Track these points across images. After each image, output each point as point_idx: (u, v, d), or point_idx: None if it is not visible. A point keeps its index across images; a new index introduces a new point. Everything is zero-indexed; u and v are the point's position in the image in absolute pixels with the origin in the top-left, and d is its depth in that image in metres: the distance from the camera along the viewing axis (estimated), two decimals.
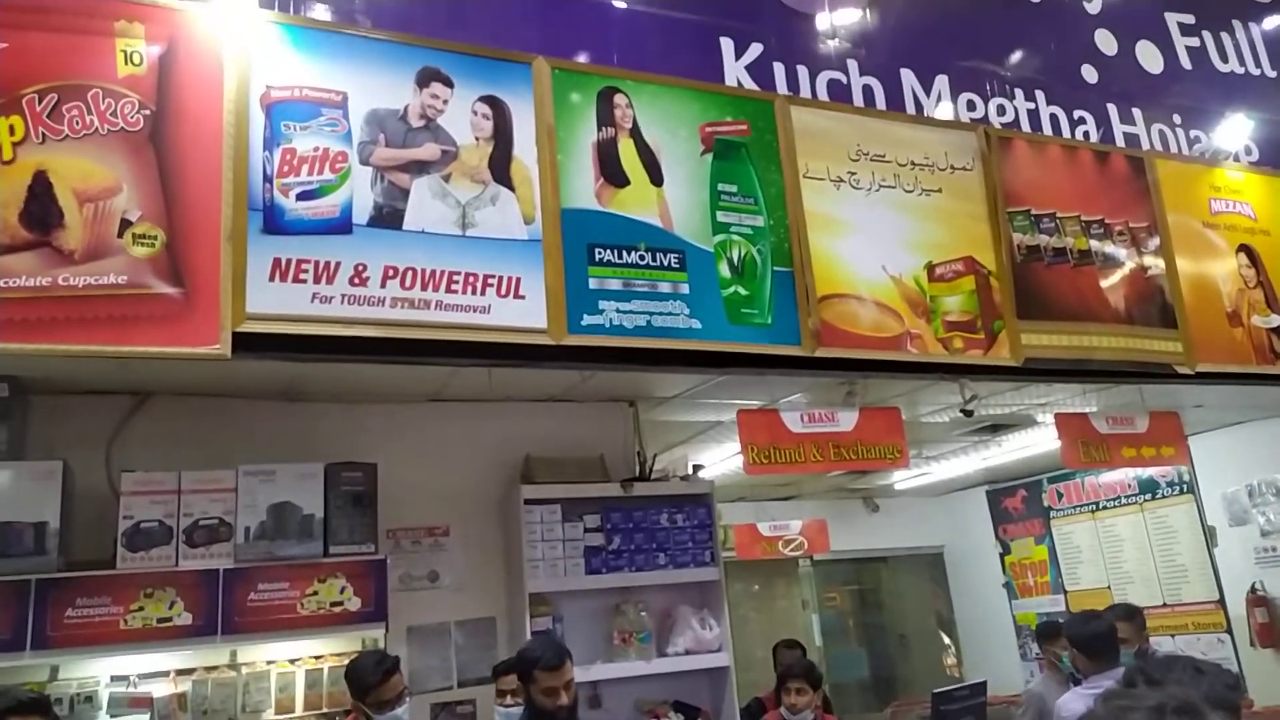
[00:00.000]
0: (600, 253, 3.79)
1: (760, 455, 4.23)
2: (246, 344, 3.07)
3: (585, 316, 3.70)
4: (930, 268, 4.40)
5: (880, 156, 4.44)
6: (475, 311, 3.52)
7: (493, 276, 3.57)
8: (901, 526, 9.17)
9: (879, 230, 4.34)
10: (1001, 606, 8.57)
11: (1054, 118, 5.57)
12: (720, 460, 6.06)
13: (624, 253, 3.85)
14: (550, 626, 4.08)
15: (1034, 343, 4.45)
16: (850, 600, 10.33)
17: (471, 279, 3.53)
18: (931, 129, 4.67)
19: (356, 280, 3.32)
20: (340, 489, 3.72)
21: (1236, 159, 5.67)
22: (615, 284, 3.79)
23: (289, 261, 3.21)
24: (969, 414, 4.74)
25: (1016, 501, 8.49)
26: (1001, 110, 5.42)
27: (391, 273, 3.39)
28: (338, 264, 3.29)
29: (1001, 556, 8.64)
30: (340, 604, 3.55)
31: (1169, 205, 5.01)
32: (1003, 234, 4.53)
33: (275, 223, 3.22)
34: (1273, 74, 6.64)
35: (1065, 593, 7.90)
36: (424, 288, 3.46)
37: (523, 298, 3.61)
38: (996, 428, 6.19)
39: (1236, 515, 6.57)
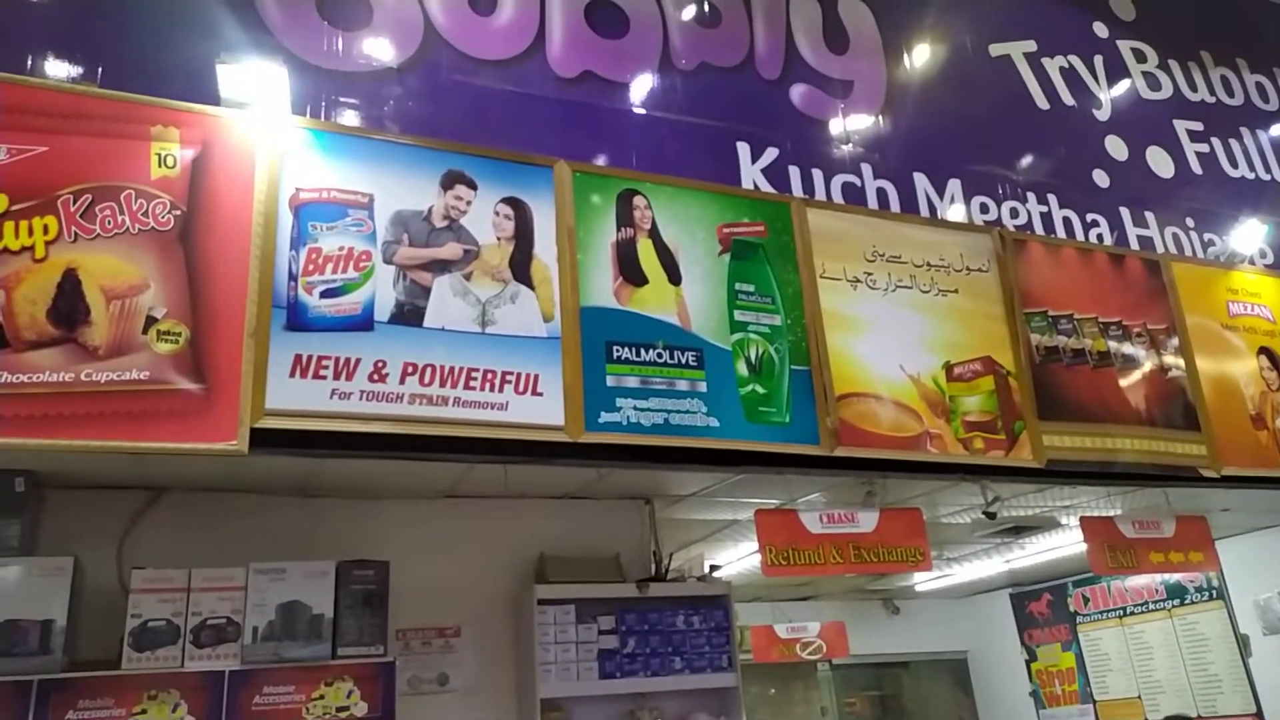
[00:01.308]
0: (618, 350, 3.80)
1: (779, 556, 4.14)
2: (264, 440, 3.07)
3: (603, 414, 3.70)
4: (949, 367, 4.38)
5: (896, 257, 4.49)
6: (493, 408, 3.52)
7: (511, 373, 3.58)
8: (923, 630, 8.92)
9: (896, 330, 4.35)
10: (1029, 717, 8.24)
11: (1067, 220, 5.65)
12: (737, 560, 5.95)
13: (642, 350, 3.86)
14: None
15: (1056, 444, 4.40)
16: (871, 707, 9.97)
17: (490, 376, 3.54)
18: (946, 231, 4.72)
19: (376, 377, 3.34)
20: (351, 588, 3.65)
21: (1252, 262, 5.70)
22: (633, 381, 3.79)
23: (310, 358, 3.23)
24: (992, 516, 4.66)
25: (1042, 605, 8.26)
26: (1015, 213, 5.50)
27: (411, 369, 3.41)
28: (358, 360, 3.32)
29: (1028, 663, 8.35)
30: (346, 709, 3.44)
31: (1187, 307, 5.01)
32: (1020, 335, 4.53)
33: (298, 320, 3.26)
34: None
35: (1094, 703, 7.60)
36: (443, 384, 3.47)
37: (540, 395, 3.61)
38: (1019, 529, 6.08)
39: (1271, 623, 6.36)
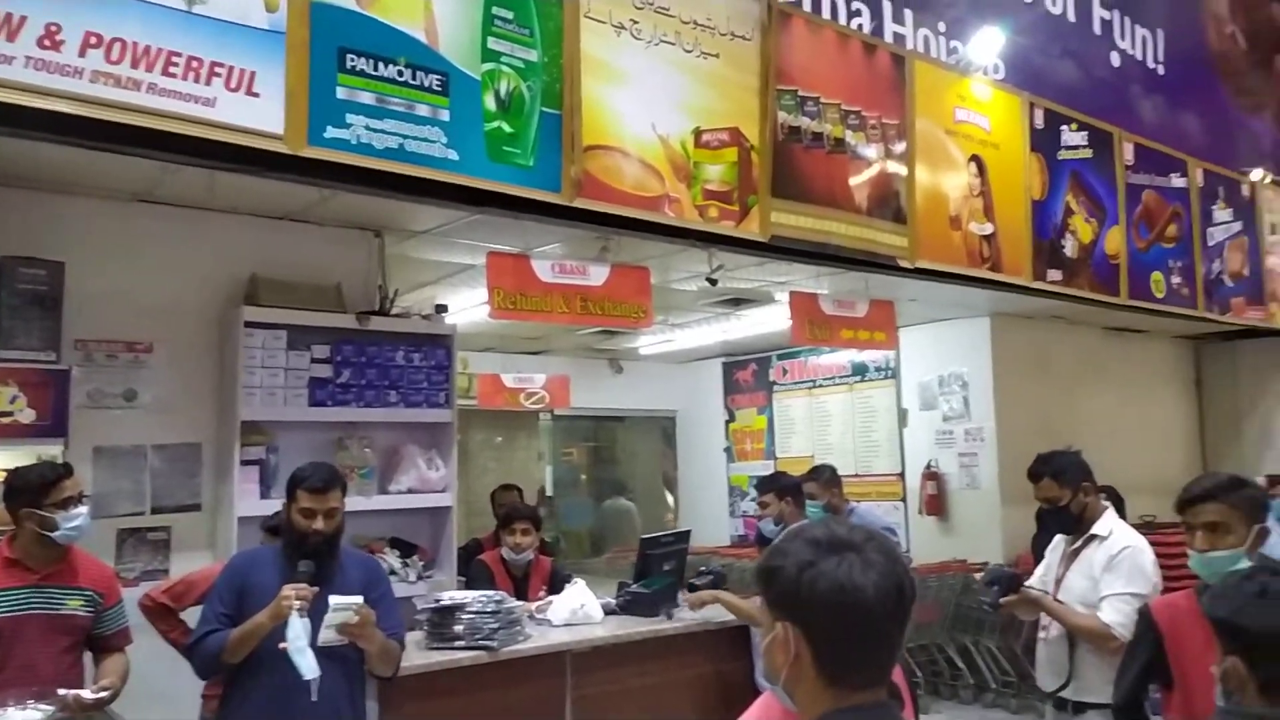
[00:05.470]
0: (353, 60, 3.46)
1: (507, 300, 4.14)
2: None
3: (330, 129, 3.40)
4: (698, 133, 4.40)
5: (665, 10, 4.32)
6: (197, 102, 3.14)
7: (221, 65, 3.18)
8: (641, 389, 9.54)
9: (654, 86, 4.26)
10: (720, 469, 9.24)
11: (834, 4, 5.67)
12: (470, 306, 5.90)
13: (381, 64, 3.53)
14: (263, 457, 3.86)
15: (782, 221, 4.62)
16: (585, 455, 10.74)
17: (195, 64, 3.13)
18: None
19: (48, 42, 2.87)
20: (16, 286, 3.24)
21: (985, 73, 6.06)
22: (367, 98, 3.49)
23: None
24: (714, 283, 4.89)
25: (747, 374, 9.06)
26: None
27: (94, 41, 2.94)
28: (22, 19, 2.81)
29: (727, 424, 9.25)
30: (9, 415, 3.14)
31: (920, 108, 5.29)
32: (770, 110, 4.60)
33: None
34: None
35: (775, 459, 8.63)
36: (135, 65, 3.03)
37: (256, 95, 3.25)
38: (738, 302, 6.47)
39: (926, 401, 7.39)
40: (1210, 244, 7.21)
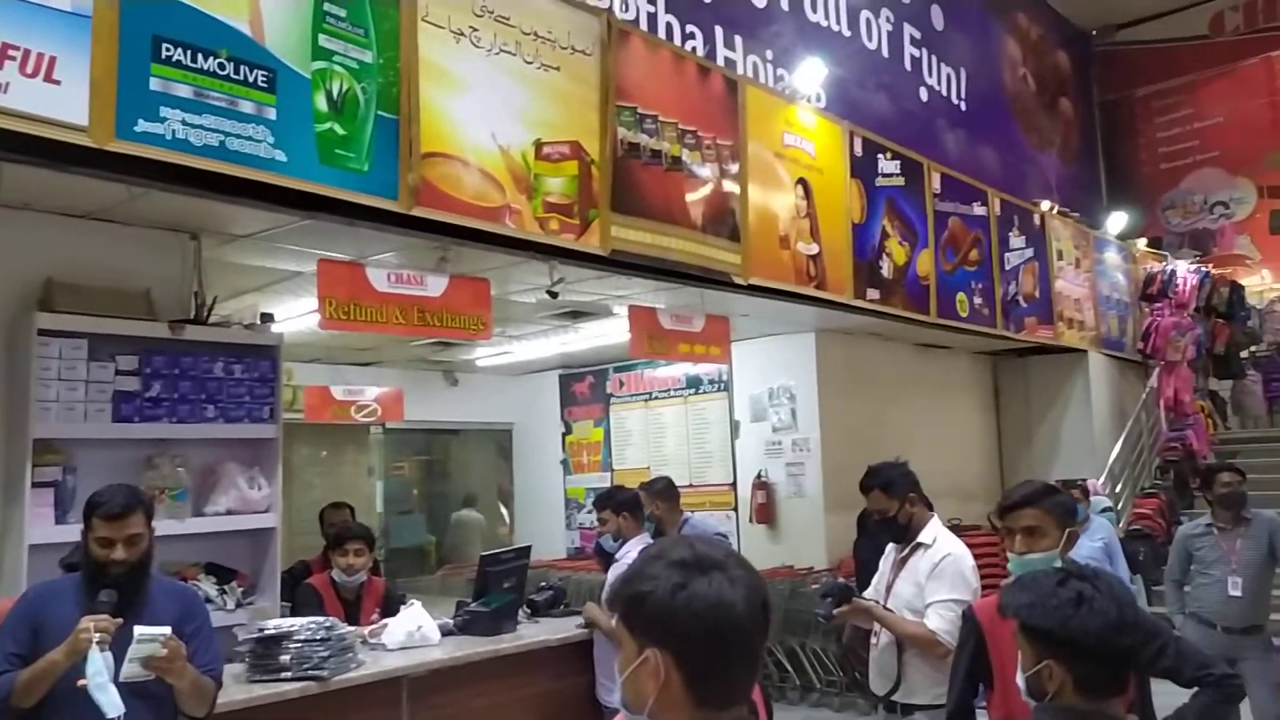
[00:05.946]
0: (169, 50, 3.24)
1: (339, 310, 3.97)
2: None
3: (141, 122, 3.17)
4: (539, 145, 4.38)
5: (505, 19, 4.28)
6: None
7: (15, 48, 2.92)
8: (477, 402, 9.37)
9: (494, 96, 4.21)
10: (556, 481, 9.20)
11: (669, 25, 5.81)
12: (298, 315, 5.61)
13: (200, 56, 3.32)
14: (59, 478, 3.50)
15: (621, 236, 4.67)
16: (418, 470, 10.43)
17: None
18: (558, 4, 4.57)
19: None
20: None
21: (809, 101, 6.36)
22: (185, 90, 3.27)
23: None
24: (554, 295, 4.87)
25: (584, 387, 9.08)
26: (626, 6, 5.51)
27: None
28: None
29: (563, 436, 9.23)
30: None
31: (751, 131, 5.49)
32: (609, 126, 4.64)
33: None
34: (848, 33, 7.54)
35: (612, 470, 8.68)
36: None
37: (57, 83, 3.00)
38: (577, 314, 6.48)
39: (757, 413, 7.65)
40: (1007, 268, 7.88)
